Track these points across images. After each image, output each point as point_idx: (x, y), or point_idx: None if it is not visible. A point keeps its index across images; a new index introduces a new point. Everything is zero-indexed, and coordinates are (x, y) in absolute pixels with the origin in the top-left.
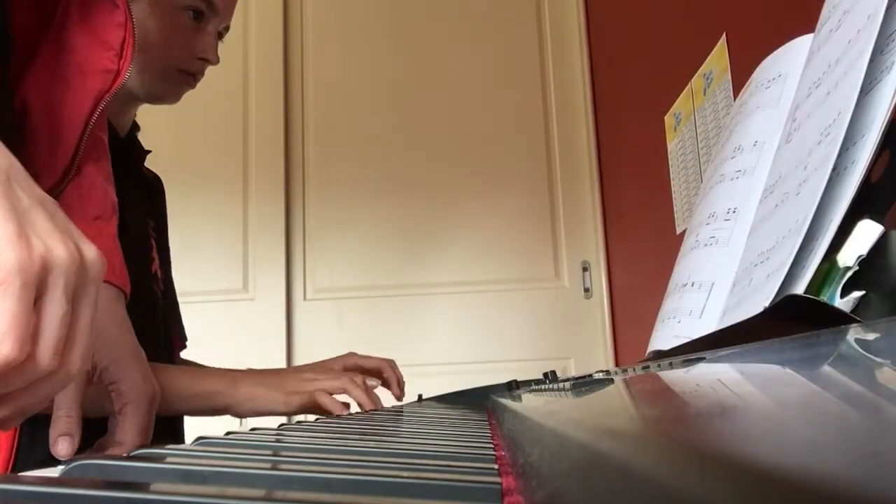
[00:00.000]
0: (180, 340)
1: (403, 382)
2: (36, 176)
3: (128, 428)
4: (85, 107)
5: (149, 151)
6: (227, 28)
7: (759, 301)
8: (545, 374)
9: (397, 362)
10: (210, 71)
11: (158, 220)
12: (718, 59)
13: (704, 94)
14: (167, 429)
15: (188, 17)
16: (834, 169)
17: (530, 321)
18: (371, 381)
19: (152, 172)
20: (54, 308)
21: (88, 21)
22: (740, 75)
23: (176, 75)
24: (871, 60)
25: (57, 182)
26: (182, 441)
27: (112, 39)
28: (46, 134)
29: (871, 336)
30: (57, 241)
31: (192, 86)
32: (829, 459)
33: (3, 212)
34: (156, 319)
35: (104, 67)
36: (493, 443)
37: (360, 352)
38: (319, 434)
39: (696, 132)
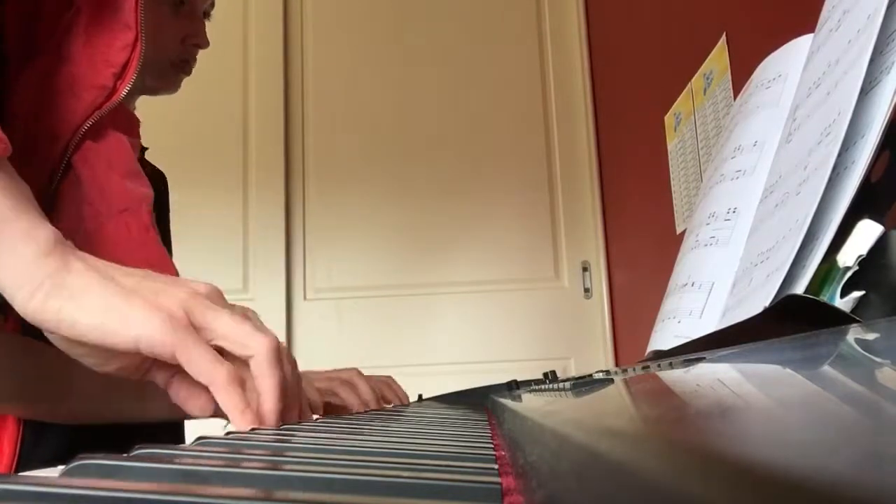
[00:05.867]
0: None
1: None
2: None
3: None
4: (73, 120)
5: (145, 149)
6: (212, 5)
7: (759, 301)
8: (545, 374)
9: (397, 362)
10: (210, 70)
11: (160, 217)
12: (718, 59)
13: (704, 94)
14: (167, 429)
15: (171, 4)
16: (834, 169)
17: (530, 321)
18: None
19: (153, 167)
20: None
21: (94, 37)
22: (740, 75)
23: (169, 66)
24: (871, 60)
25: (41, 189)
26: (182, 441)
27: (115, 58)
28: (31, 144)
29: (871, 336)
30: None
31: (188, 72)
32: (830, 459)
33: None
34: None
35: (100, 83)
36: (493, 443)
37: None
38: (320, 434)
39: (696, 132)
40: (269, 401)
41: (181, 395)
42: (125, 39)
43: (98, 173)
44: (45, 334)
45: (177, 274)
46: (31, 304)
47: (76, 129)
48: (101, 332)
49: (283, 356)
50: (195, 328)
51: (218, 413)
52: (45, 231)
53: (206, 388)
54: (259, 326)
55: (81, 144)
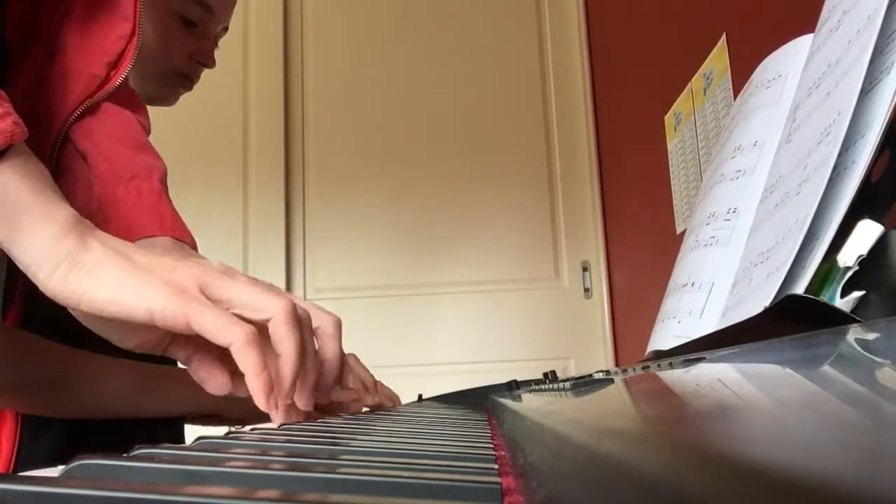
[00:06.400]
0: None
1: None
2: None
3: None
4: (64, 109)
5: None
6: (225, 29)
7: (759, 301)
8: (545, 374)
9: (397, 362)
10: (210, 71)
11: None
12: (718, 59)
13: (704, 94)
14: (167, 429)
15: (184, 21)
16: (834, 169)
17: (530, 321)
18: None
19: None
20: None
21: (89, 27)
22: (740, 75)
23: (172, 78)
24: (871, 60)
25: None
26: (182, 441)
27: (110, 48)
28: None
29: (871, 336)
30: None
31: (189, 88)
32: (830, 459)
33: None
34: None
35: (92, 73)
36: (493, 443)
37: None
38: (320, 434)
39: (696, 132)
40: (288, 363)
41: (200, 375)
42: (122, 30)
43: (102, 145)
44: (70, 311)
45: (192, 238)
46: (52, 283)
47: (66, 117)
48: (118, 306)
49: (301, 321)
50: (212, 301)
51: (237, 390)
52: (63, 211)
53: (225, 368)
54: (275, 290)
55: (79, 122)
